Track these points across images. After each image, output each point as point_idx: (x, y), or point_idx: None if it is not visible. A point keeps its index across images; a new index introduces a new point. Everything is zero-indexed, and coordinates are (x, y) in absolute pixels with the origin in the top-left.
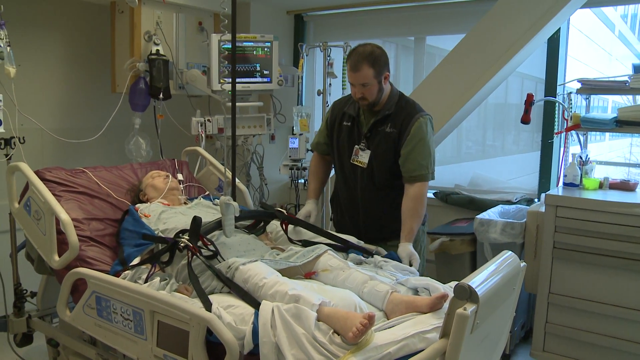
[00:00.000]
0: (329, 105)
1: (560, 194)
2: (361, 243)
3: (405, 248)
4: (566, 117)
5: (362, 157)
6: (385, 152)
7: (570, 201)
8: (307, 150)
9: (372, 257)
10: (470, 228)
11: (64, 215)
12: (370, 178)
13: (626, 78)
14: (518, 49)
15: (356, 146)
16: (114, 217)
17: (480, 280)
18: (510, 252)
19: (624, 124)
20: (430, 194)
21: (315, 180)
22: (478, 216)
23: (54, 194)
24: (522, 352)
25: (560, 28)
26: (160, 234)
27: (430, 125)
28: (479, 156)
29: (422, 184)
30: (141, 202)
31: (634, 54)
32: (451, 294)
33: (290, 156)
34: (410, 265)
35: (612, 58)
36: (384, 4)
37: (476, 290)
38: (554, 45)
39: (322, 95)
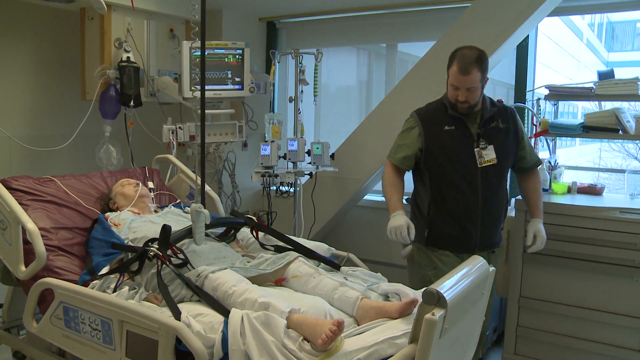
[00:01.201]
0: (300, 112)
1: None
2: (332, 250)
3: (535, 224)
4: (535, 123)
5: (488, 155)
6: (507, 147)
7: None
8: (279, 157)
9: (339, 270)
10: None
11: (30, 225)
12: (496, 176)
13: (591, 85)
14: (488, 56)
15: (476, 149)
16: (83, 226)
17: (449, 285)
18: (479, 256)
19: (590, 129)
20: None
21: (397, 192)
22: None
23: (20, 203)
24: (494, 355)
25: (528, 35)
26: (130, 243)
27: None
28: None
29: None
30: (111, 210)
31: (601, 61)
32: (420, 300)
33: (262, 163)
34: (533, 242)
35: (581, 65)
36: (355, 11)
37: (444, 295)
38: (522, 52)
39: (293, 102)
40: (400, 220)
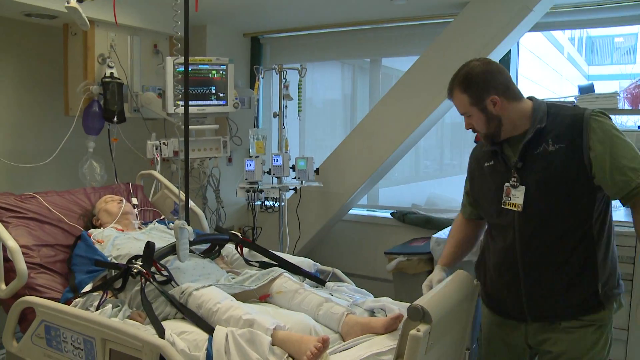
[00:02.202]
0: (284, 127)
1: None
2: (317, 265)
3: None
4: None
5: (515, 196)
6: (554, 178)
7: None
8: (264, 172)
9: (324, 286)
10: (427, 247)
11: (11, 242)
12: (534, 223)
13: (573, 99)
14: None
15: (506, 184)
16: (65, 243)
17: (434, 300)
18: (464, 271)
19: None
20: (387, 214)
21: (450, 245)
22: (434, 235)
23: (1, 221)
24: None
25: (510, 50)
26: (114, 260)
27: (609, 118)
28: (436, 175)
29: None
30: (94, 227)
31: (582, 75)
32: (406, 315)
33: (246, 178)
34: None
35: (563, 78)
36: (339, 26)
37: (429, 311)
38: (505, 66)
39: (278, 117)
40: (433, 275)
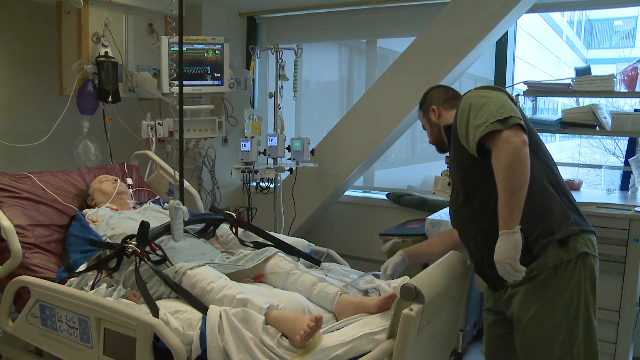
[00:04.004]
0: (280, 108)
1: None
2: (312, 245)
3: (496, 244)
4: None
5: (443, 184)
6: (451, 154)
7: None
8: (259, 153)
9: (319, 266)
10: (422, 229)
11: (5, 222)
12: (455, 196)
13: (569, 81)
14: (467, 51)
15: (435, 175)
16: (60, 223)
17: (427, 280)
18: (457, 252)
19: (568, 125)
20: (382, 196)
21: (424, 244)
22: (429, 217)
23: None
24: (474, 350)
25: (507, 31)
26: (108, 240)
27: (481, 90)
28: (433, 157)
29: (496, 137)
30: (89, 207)
31: (580, 58)
32: (399, 295)
33: (241, 159)
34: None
35: (561, 62)
36: (336, 6)
37: (422, 291)
38: (501, 48)
39: (273, 98)
40: (392, 258)
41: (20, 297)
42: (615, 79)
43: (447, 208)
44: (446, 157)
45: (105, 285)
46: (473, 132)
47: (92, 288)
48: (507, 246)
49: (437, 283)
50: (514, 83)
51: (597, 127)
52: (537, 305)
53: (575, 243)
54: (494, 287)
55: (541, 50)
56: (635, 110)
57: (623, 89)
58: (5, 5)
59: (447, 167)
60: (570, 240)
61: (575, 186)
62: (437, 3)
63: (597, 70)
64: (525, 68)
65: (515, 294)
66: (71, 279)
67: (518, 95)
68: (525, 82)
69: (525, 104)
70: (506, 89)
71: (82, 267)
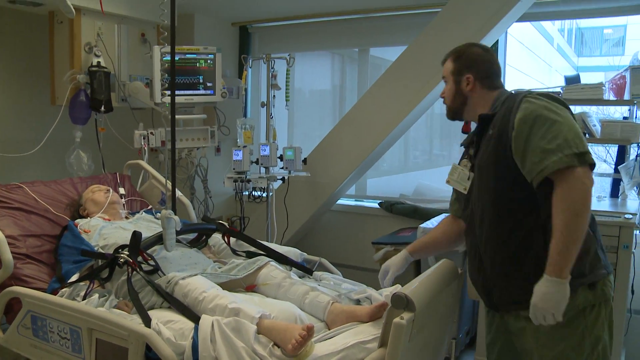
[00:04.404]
0: (272, 117)
1: None
2: (304, 255)
3: (540, 288)
4: None
5: (461, 175)
6: (485, 161)
7: None
8: (251, 162)
9: (311, 275)
10: (413, 237)
11: None
12: (478, 207)
13: (559, 89)
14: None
15: (453, 163)
16: (52, 233)
17: (418, 289)
18: (448, 260)
19: None
20: (374, 204)
21: (427, 236)
22: (421, 225)
23: None
24: (467, 358)
25: (498, 40)
26: (101, 250)
27: (546, 100)
28: (425, 165)
29: (568, 173)
30: (81, 217)
31: (571, 66)
32: (390, 304)
33: (234, 168)
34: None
35: (552, 69)
36: (328, 16)
37: (413, 299)
38: None
39: (265, 107)
40: (390, 261)
41: (11, 308)
42: (604, 87)
43: (440, 216)
44: (465, 157)
45: (97, 295)
46: (540, 155)
47: (84, 298)
48: (557, 297)
49: (429, 291)
50: None
51: (586, 135)
52: (563, 346)
53: (603, 287)
54: (496, 308)
55: (532, 58)
56: (624, 118)
57: (612, 97)
58: None
59: (465, 161)
60: (598, 284)
61: None
62: (428, 12)
63: (586, 78)
64: (517, 76)
65: (533, 328)
66: (63, 290)
67: None
68: (515, 90)
69: None
70: (547, 94)
71: (74, 278)
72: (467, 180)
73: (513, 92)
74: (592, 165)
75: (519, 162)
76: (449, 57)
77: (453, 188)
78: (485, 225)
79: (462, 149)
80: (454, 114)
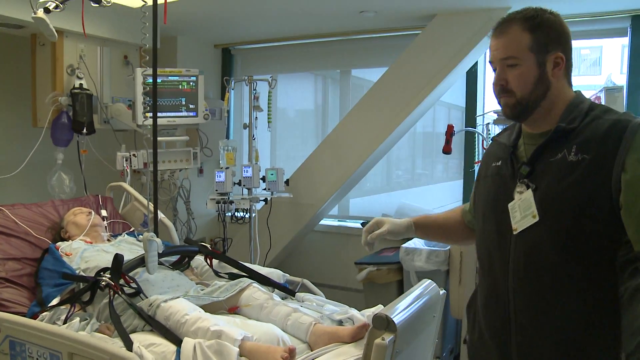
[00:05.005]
0: (255, 138)
1: None
2: (286, 276)
3: None
4: (485, 147)
5: (524, 204)
6: (563, 197)
7: None
8: (234, 183)
9: (294, 296)
10: (396, 257)
11: None
12: (532, 256)
13: None
14: (438, 81)
15: (511, 203)
16: (32, 257)
17: (399, 309)
18: (430, 280)
19: None
20: (357, 224)
21: (437, 214)
22: (403, 245)
23: None
24: None
25: (477, 61)
26: (82, 273)
27: None
28: (408, 185)
29: None
30: (63, 240)
31: None
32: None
33: (217, 190)
34: None
35: None
36: (309, 38)
37: (394, 319)
38: (472, 78)
39: (248, 128)
40: (390, 221)
41: None
42: None
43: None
44: (502, 173)
45: (78, 319)
46: None
47: (64, 322)
48: None
49: (410, 311)
50: (485, 112)
51: None
52: None
53: None
54: None
55: None
56: None
57: None
58: None
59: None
60: None
61: None
62: (408, 34)
63: None
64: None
65: None
66: (43, 313)
67: (488, 124)
68: (495, 111)
69: (495, 131)
70: (477, 117)
71: (54, 301)
72: (533, 205)
73: (594, 103)
74: None
75: (626, 220)
76: (515, 24)
77: (472, 193)
78: (538, 272)
79: (449, 164)
80: (524, 109)
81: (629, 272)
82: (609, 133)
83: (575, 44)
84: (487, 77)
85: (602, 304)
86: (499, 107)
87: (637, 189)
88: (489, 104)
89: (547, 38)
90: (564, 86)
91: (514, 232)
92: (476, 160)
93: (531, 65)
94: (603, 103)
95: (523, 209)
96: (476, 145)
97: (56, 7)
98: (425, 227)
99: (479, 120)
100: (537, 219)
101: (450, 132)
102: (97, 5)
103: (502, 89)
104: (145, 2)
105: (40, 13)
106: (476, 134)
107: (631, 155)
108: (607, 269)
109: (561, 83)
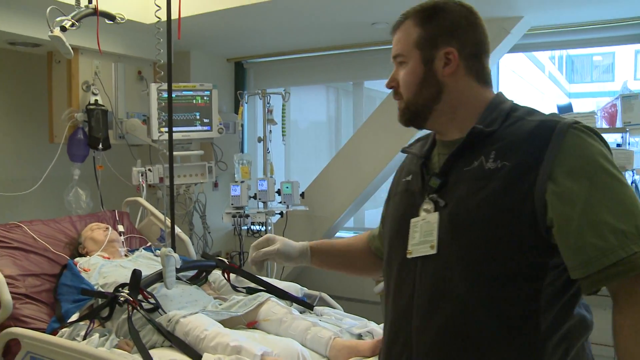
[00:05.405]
0: (269, 152)
1: None
2: (304, 289)
3: None
4: None
5: (425, 229)
6: (477, 214)
7: None
8: (249, 197)
9: (312, 310)
10: None
11: None
12: (442, 285)
13: None
14: None
15: (414, 219)
16: (51, 273)
17: None
18: None
19: None
20: None
21: (334, 241)
22: None
23: None
24: None
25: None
26: (100, 289)
27: (599, 141)
28: None
29: None
30: (80, 255)
31: (563, 92)
32: None
33: (232, 204)
34: None
35: (545, 97)
36: (321, 50)
37: None
38: None
39: (262, 142)
40: (277, 243)
41: (10, 349)
42: (596, 115)
43: None
44: (413, 188)
45: (97, 335)
46: (615, 240)
47: (84, 338)
48: None
49: None
50: None
51: None
52: None
53: None
54: None
55: (524, 87)
56: (618, 145)
57: (604, 125)
58: None
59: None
60: None
61: None
62: None
63: (579, 105)
64: None
65: None
66: (63, 329)
67: None
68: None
69: None
70: (598, 132)
71: (74, 317)
72: (434, 233)
73: (517, 104)
74: None
75: (560, 241)
76: (410, 17)
77: (381, 216)
78: (432, 320)
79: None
80: (413, 115)
81: (566, 308)
82: (534, 136)
83: (587, 50)
84: (502, 86)
85: (525, 350)
86: (501, 92)
87: (571, 204)
88: None
89: (438, 31)
90: (472, 87)
91: (408, 256)
92: None
93: (416, 63)
94: (619, 110)
95: (424, 233)
96: None
97: (72, 25)
98: (323, 254)
99: None
100: (434, 251)
101: None
102: (112, 22)
103: (394, 92)
104: (159, 18)
105: (57, 31)
106: None
107: (561, 161)
108: (530, 302)
109: (464, 83)
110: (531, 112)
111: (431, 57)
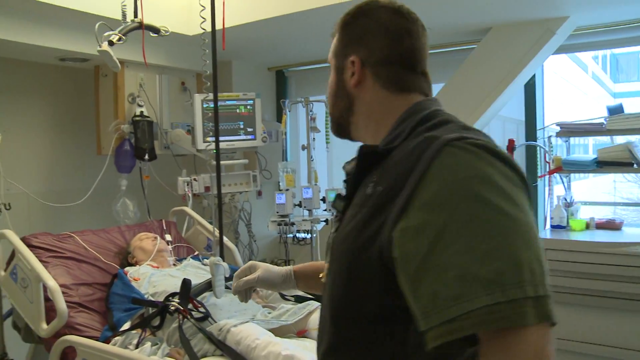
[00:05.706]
0: (313, 159)
1: (548, 236)
2: None
3: None
4: (548, 160)
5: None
6: (345, 249)
7: (559, 243)
8: (294, 205)
9: None
10: None
11: (51, 282)
12: (322, 321)
13: (602, 120)
14: (497, 95)
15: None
16: (102, 282)
17: None
18: None
19: (604, 164)
20: None
21: (319, 264)
22: None
23: (40, 260)
24: None
25: (535, 74)
26: (150, 298)
27: (492, 158)
28: None
29: (511, 335)
30: (130, 265)
31: (608, 93)
32: None
33: (277, 212)
34: None
35: (589, 97)
36: None
37: None
38: (530, 91)
39: (306, 150)
40: (257, 272)
41: (66, 356)
42: None
43: None
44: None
45: (149, 343)
46: (456, 288)
47: (136, 347)
48: None
49: None
50: (545, 125)
51: (634, 165)
52: None
53: None
54: None
55: (568, 88)
56: None
57: None
58: (45, 71)
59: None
60: None
61: (617, 226)
62: (463, 49)
63: (627, 104)
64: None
65: None
66: (115, 338)
67: (550, 137)
68: (558, 124)
69: (557, 144)
70: (537, 131)
71: (125, 326)
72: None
73: (435, 113)
74: (551, 317)
75: (405, 284)
76: (335, 31)
77: None
78: (329, 337)
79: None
80: (338, 127)
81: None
82: (408, 155)
83: (633, 48)
84: (547, 90)
85: None
86: (559, 118)
87: (416, 240)
88: (549, 114)
89: (348, 39)
90: (383, 97)
91: (322, 280)
92: (539, 174)
93: (333, 73)
94: None
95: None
96: (538, 160)
97: (119, 39)
98: (308, 278)
99: (539, 133)
100: (324, 280)
101: (511, 146)
102: (156, 35)
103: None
104: (204, 29)
105: (105, 46)
106: (538, 148)
107: (423, 187)
108: (397, 346)
109: (372, 93)
110: (438, 124)
111: (343, 66)
